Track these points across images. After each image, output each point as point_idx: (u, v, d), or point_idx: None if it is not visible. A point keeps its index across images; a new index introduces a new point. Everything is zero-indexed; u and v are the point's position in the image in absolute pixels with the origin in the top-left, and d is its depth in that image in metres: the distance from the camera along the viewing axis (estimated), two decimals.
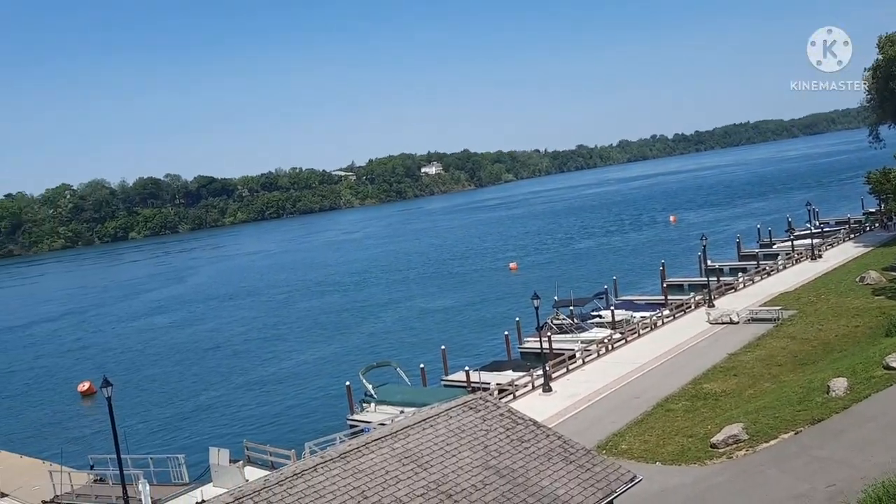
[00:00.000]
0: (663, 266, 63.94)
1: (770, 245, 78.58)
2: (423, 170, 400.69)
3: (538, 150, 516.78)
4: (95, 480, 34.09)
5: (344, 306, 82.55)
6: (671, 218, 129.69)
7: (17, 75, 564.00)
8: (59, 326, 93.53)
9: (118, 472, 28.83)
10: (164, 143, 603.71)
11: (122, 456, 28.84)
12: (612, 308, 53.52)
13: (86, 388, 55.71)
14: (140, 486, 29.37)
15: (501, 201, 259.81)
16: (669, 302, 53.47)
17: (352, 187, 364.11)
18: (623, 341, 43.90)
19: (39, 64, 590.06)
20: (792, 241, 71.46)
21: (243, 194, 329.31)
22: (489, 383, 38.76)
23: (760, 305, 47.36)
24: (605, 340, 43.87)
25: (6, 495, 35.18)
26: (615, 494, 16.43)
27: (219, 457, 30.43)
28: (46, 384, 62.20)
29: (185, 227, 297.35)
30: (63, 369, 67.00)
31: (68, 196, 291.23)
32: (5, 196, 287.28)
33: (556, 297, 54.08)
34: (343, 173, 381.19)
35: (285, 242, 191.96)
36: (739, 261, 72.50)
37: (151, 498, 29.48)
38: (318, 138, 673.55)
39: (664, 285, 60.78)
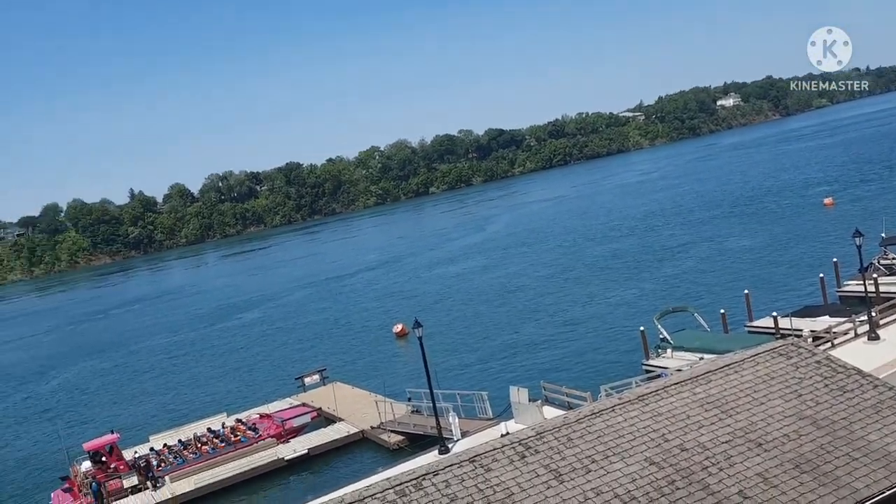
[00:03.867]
0: None
1: None
2: (718, 103, 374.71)
3: (857, 69, 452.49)
4: (412, 411, 37.87)
5: (639, 249, 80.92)
6: None
7: (332, 55, 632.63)
8: (377, 274, 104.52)
9: (431, 404, 31.54)
10: (457, 100, 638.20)
11: (434, 391, 31.38)
12: None
13: (399, 329, 61.67)
14: (451, 419, 32.02)
15: (814, 129, 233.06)
16: None
17: (640, 128, 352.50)
18: None
19: (338, 40, 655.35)
20: None
21: (531, 144, 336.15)
22: (801, 330, 35.47)
23: None
24: None
25: (343, 419, 40.71)
26: None
27: (519, 395, 31.86)
28: (369, 325, 70.07)
29: (479, 180, 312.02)
30: (382, 312, 74.88)
31: (377, 157, 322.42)
32: (327, 160, 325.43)
33: (883, 234, 47.63)
34: (631, 114, 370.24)
35: (576, 188, 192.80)
36: None
37: (460, 430, 32.00)
38: (603, 81, 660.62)
39: None
